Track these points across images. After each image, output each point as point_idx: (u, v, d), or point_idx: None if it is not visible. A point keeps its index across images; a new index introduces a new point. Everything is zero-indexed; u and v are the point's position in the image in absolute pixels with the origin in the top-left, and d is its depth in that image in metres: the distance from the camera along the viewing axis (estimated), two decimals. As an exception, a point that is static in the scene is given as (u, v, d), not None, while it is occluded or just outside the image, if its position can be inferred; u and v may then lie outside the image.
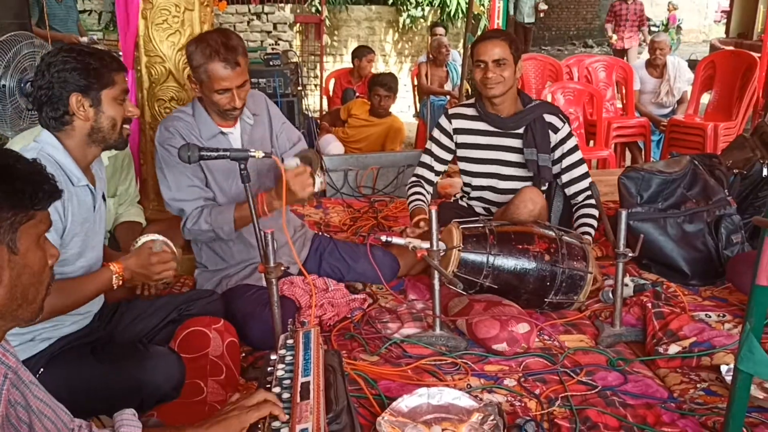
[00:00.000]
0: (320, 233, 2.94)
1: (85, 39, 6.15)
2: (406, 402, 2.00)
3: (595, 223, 2.91)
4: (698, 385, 2.20)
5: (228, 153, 2.22)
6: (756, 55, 5.73)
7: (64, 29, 6.09)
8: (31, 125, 3.54)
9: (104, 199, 2.09)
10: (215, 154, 2.23)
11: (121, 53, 3.24)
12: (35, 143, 1.92)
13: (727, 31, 12.37)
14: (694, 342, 2.33)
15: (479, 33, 8.58)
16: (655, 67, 6.22)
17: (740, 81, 5.67)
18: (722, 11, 13.83)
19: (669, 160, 3.43)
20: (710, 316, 2.66)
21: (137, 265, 1.98)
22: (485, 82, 2.88)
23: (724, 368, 2.21)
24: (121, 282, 1.95)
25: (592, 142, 5.87)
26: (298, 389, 1.61)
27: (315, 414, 1.53)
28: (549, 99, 5.60)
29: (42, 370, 1.88)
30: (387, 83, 5.22)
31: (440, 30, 7.71)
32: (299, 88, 5.29)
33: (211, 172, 2.55)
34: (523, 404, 2.09)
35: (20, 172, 1.13)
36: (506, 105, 2.97)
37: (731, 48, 8.89)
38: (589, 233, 2.86)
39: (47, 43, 3.87)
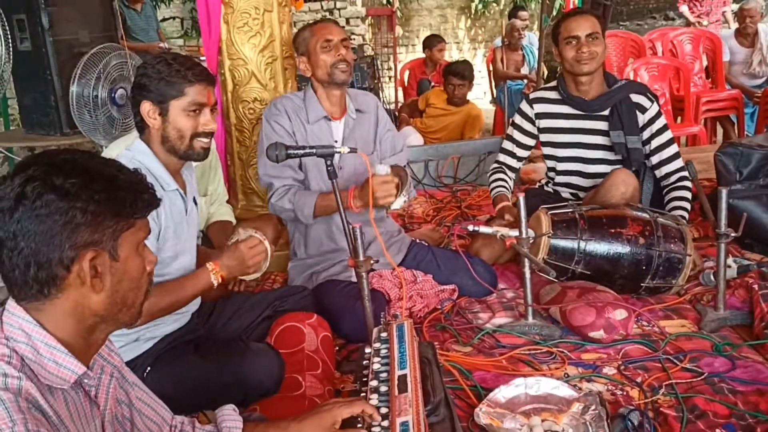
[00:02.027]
0: (418, 241, 2.90)
1: (165, 45, 6.36)
2: (503, 393, 1.97)
3: (688, 204, 2.79)
4: (814, 370, 2.08)
5: (314, 150, 2.25)
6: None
7: (146, 39, 6.31)
8: (123, 133, 3.70)
9: (195, 203, 2.14)
10: (302, 152, 2.27)
11: (203, 58, 3.33)
12: (127, 151, 1.99)
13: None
14: (803, 324, 2.20)
15: (554, 14, 8.37)
16: (746, 36, 5.91)
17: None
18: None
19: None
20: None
21: (232, 258, 2.02)
22: (579, 58, 2.81)
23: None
24: (220, 279, 2.00)
25: (680, 119, 5.64)
26: (396, 382, 1.61)
27: (414, 407, 1.53)
28: (632, 76, 5.41)
29: (149, 368, 1.95)
30: (460, 72, 5.16)
31: (524, 14, 7.52)
32: (376, 80, 5.30)
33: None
34: (625, 393, 2.03)
35: (122, 181, 1.17)
36: (594, 85, 2.89)
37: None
38: (683, 215, 2.75)
39: (134, 54, 4.03)
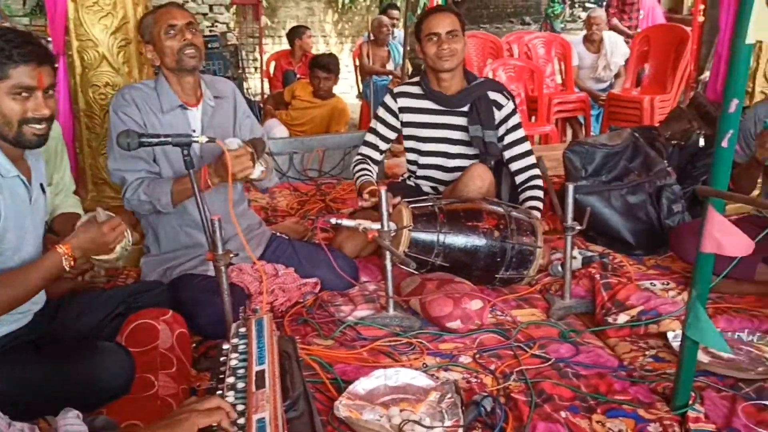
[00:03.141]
0: (279, 234, 2.84)
1: (7, 24, 5.88)
2: (363, 384, 1.98)
3: (541, 199, 2.94)
4: (647, 353, 2.25)
5: (170, 139, 2.16)
6: (687, 28, 5.87)
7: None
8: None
9: (43, 190, 1.99)
10: (156, 140, 2.16)
11: (50, 39, 3.10)
12: None
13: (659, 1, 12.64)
14: (641, 311, 2.38)
15: (419, 12, 8.54)
16: (592, 42, 6.31)
17: (674, 54, 5.80)
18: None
19: (611, 133, 3.50)
20: (655, 285, 2.73)
21: (87, 240, 1.86)
22: (440, 55, 2.87)
23: (671, 335, 2.27)
24: (72, 263, 1.83)
25: (534, 118, 5.93)
26: (253, 378, 1.58)
27: (272, 402, 1.50)
28: (491, 76, 5.62)
29: (-18, 372, 1.79)
30: (326, 65, 5.13)
31: (395, 13, 7.58)
32: (239, 71, 5.16)
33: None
34: (479, 380, 2.10)
35: None
36: (455, 81, 2.97)
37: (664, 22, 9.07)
38: (536, 208, 2.89)
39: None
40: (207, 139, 2.17)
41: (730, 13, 3.63)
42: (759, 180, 2.74)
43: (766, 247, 2.59)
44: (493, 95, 2.99)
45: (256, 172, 2.35)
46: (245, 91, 5.44)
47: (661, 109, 5.54)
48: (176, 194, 2.39)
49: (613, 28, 6.82)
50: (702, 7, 5.55)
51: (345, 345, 2.30)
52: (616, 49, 6.28)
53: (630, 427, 1.86)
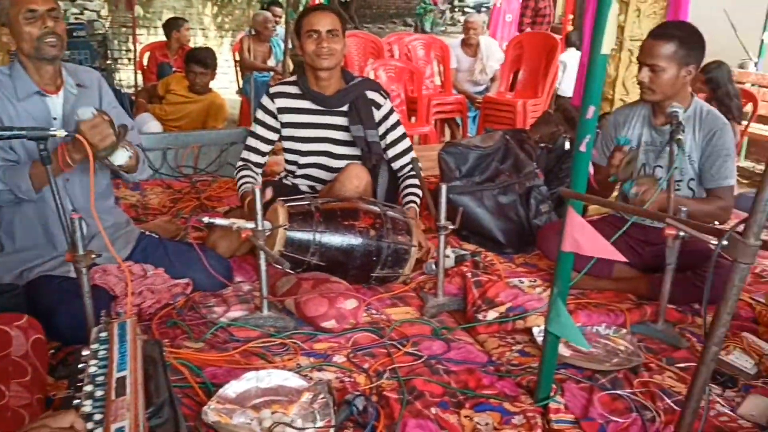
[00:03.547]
0: (148, 233, 2.71)
1: None
2: (233, 388, 1.94)
3: (420, 191, 2.99)
4: (513, 348, 2.34)
5: (24, 132, 2.01)
6: (557, 36, 6.17)
7: None
8: None
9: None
10: (9, 134, 2.01)
11: None
12: None
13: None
14: (509, 307, 2.47)
15: (300, 9, 8.48)
16: (470, 46, 6.50)
17: (545, 60, 6.08)
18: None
19: (484, 135, 3.60)
20: (523, 282, 2.84)
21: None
22: (319, 53, 2.85)
23: (536, 330, 2.37)
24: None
25: (413, 119, 6.04)
26: (113, 385, 1.50)
27: (132, 410, 1.44)
28: (372, 76, 5.67)
29: None
30: (202, 59, 4.97)
31: (278, 10, 7.45)
32: (108, 61, 4.91)
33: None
34: (352, 380, 2.10)
35: None
36: (333, 81, 2.96)
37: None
38: (414, 201, 2.94)
39: None
40: (66, 134, 2.04)
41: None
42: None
43: (624, 245, 2.78)
44: (370, 95, 3.01)
45: (121, 157, 2.22)
46: (115, 82, 5.16)
47: (533, 113, 5.80)
48: (35, 178, 2.22)
49: None
50: (571, 16, 5.86)
51: (216, 347, 2.24)
52: (492, 53, 6.52)
53: (496, 421, 1.92)
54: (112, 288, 2.38)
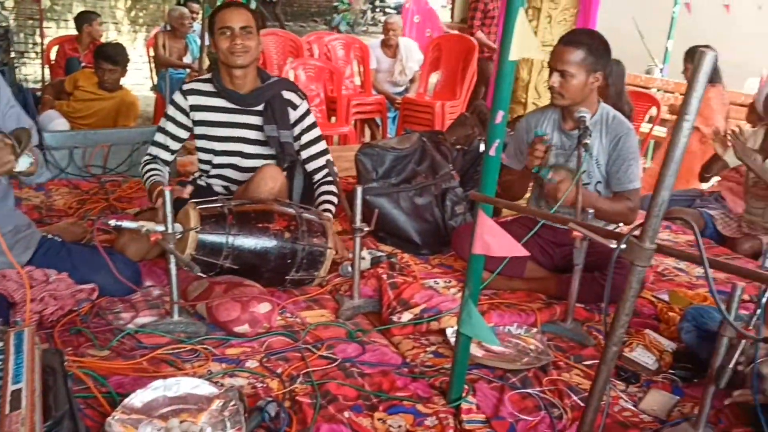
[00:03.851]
0: (51, 236, 2.58)
1: None
2: (139, 397, 1.87)
3: (335, 199, 2.97)
4: (428, 349, 2.36)
5: None
6: (475, 39, 6.27)
7: None
8: None
9: None
10: None
11: None
12: None
13: (452, 16, 13.41)
14: (424, 308, 2.49)
15: (218, 5, 8.30)
16: (389, 46, 6.53)
17: (462, 63, 6.17)
18: (448, -3, 15.00)
19: (401, 136, 3.62)
20: (438, 283, 2.87)
21: None
22: (233, 50, 2.79)
23: (449, 331, 2.39)
24: None
25: (334, 119, 6.02)
26: (8, 399, 1.43)
27: (28, 425, 1.37)
28: (291, 75, 5.63)
29: None
30: (111, 56, 4.78)
31: (195, 6, 7.25)
32: (12, 55, 4.67)
33: None
34: (265, 385, 2.07)
35: None
36: (248, 79, 2.91)
37: (456, 32, 9.64)
38: (330, 209, 2.92)
39: None
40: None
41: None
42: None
43: (535, 246, 2.86)
44: (287, 95, 2.98)
45: (23, 163, 2.12)
46: (18, 78, 4.91)
47: (451, 114, 5.87)
48: None
49: (477, 40, 6.61)
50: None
51: (123, 355, 2.16)
52: (411, 54, 6.57)
53: (409, 423, 1.93)
54: (11, 294, 2.26)
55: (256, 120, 2.95)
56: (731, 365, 1.88)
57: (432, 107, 5.95)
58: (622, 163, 2.74)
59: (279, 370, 2.15)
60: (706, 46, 1.90)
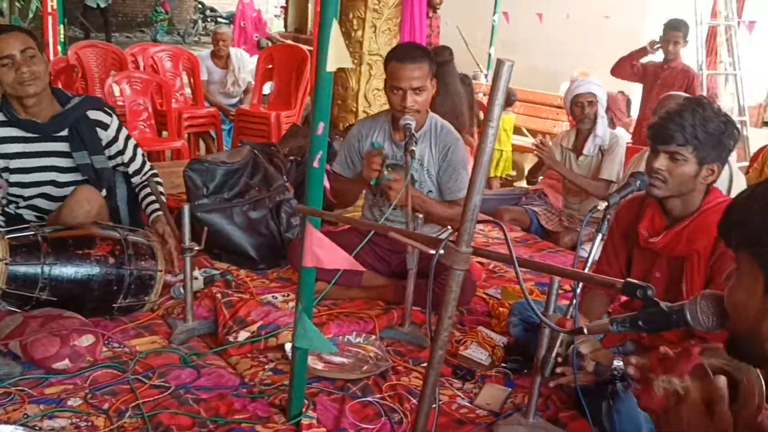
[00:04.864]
0: None
1: None
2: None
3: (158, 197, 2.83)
4: (266, 367, 2.31)
5: None
6: (308, 48, 6.27)
7: None
8: None
9: None
10: None
11: None
12: None
13: (285, 26, 13.39)
14: (261, 325, 2.44)
15: (30, 17, 7.74)
16: (220, 57, 6.38)
17: (296, 73, 6.15)
18: (282, 6, 14.93)
19: (232, 150, 3.55)
20: (277, 297, 2.83)
21: None
22: (21, 80, 2.51)
23: (287, 346, 2.35)
24: None
25: (165, 133, 5.77)
26: None
27: None
28: (115, 90, 5.34)
29: None
30: None
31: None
32: None
33: None
34: (89, 423, 1.93)
35: None
36: (44, 106, 2.65)
37: (290, 42, 9.63)
38: (161, 216, 2.78)
39: None
40: None
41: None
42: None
43: (372, 254, 2.89)
44: (93, 114, 2.75)
45: None
46: None
47: (287, 125, 5.82)
48: None
49: None
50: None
51: None
52: (244, 65, 6.46)
53: (248, 445, 1.88)
54: None
55: (63, 147, 2.70)
56: (553, 354, 2.00)
57: (267, 118, 5.87)
58: (453, 172, 2.81)
59: (105, 406, 2.02)
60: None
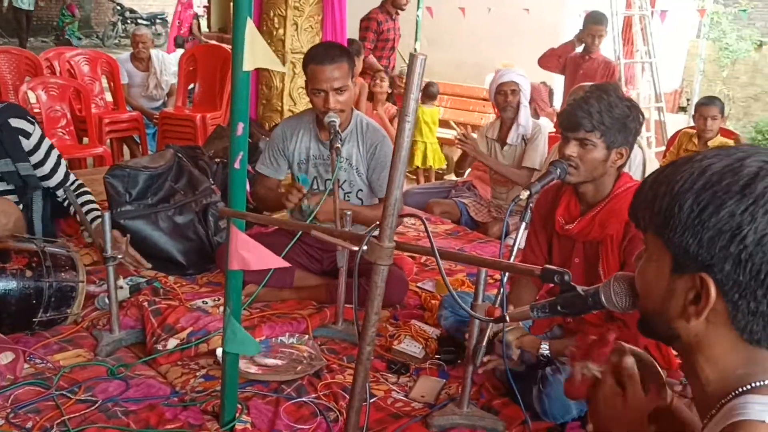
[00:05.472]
0: None
1: None
2: None
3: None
4: (198, 373, 2.27)
5: None
6: (229, 47, 6.17)
7: None
8: None
9: None
10: None
11: None
12: None
13: (209, 26, 13.15)
14: (191, 332, 2.39)
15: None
16: (141, 60, 6.22)
17: (219, 73, 6.05)
18: (204, 6, 14.63)
19: (154, 154, 3.46)
20: (207, 303, 2.77)
21: None
22: None
23: (219, 351, 2.31)
24: None
25: (86, 140, 5.59)
26: None
27: None
28: (30, 96, 5.14)
29: None
30: None
31: None
32: None
33: None
34: (10, 444, 1.86)
35: None
36: None
37: (213, 42, 9.46)
38: (95, 208, 2.74)
39: None
40: None
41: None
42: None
43: (303, 253, 2.88)
44: (15, 122, 2.69)
45: None
46: None
47: (213, 127, 5.72)
48: None
49: (369, 66, 6.21)
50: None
51: None
52: (166, 67, 6.32)
53: (180, 455, 1.84)
54: None
55: None
56: (483, 344, 2.03)
57: (193, 120, 5.76)
58: (381, 170, 2.80)
59: (29, 425, 1.94)
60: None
